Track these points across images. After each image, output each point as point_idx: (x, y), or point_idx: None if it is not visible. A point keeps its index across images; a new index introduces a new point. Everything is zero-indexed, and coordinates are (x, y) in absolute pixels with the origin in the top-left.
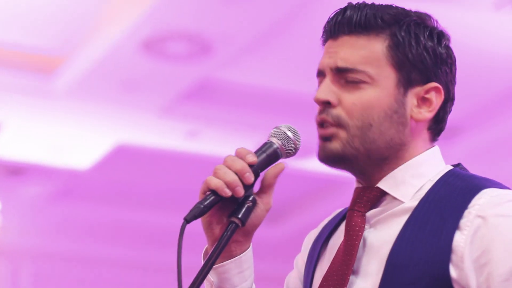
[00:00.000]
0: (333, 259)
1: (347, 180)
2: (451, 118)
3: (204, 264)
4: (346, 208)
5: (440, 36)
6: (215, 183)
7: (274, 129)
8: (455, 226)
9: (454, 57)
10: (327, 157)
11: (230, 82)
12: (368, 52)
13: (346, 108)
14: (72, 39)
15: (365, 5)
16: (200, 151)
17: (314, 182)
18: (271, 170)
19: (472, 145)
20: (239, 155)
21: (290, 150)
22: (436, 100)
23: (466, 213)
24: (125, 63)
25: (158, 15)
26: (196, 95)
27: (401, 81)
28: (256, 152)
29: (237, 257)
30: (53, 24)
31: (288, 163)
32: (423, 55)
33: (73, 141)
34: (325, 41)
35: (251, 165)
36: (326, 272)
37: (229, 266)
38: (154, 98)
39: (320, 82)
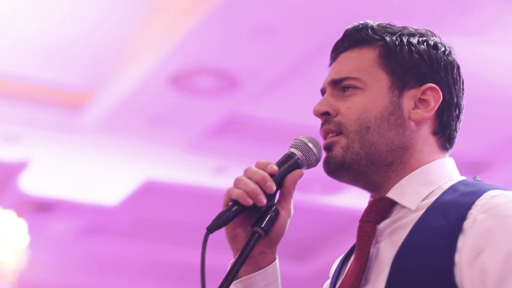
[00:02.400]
0: (347, 271)
1: None
2: (480, 153)
3: (228, 274)
4: None
5: (437, 44)
6: (237, 192)
7: (295, 140)
8: (459, 229)
9: (457, 66)
10: (330, 167)
11: (257, 117)
12: (360, 60)
13: (343, 114)
14: (100, 75)
15: (360, 23)
16: (228, 187)
17: (341, 218)
18: (289, 177)
19: (502, 179)
20: (260, 166)
21: (311, 161)
22: (434, 99)
23: (468, 214)
24: (153, 98)
25: (186, 51)
26: (223, 130)
27: (394, 84)
28: (277, 163)
29: (264, 269)
30: (81, 61)
31: (316, 200)
32: (416, 59)
33: (101, 177)
34: (329, 66)
35: (272, 175)
36: (340, 283)
37: (255, 279)
38: (181, 133)
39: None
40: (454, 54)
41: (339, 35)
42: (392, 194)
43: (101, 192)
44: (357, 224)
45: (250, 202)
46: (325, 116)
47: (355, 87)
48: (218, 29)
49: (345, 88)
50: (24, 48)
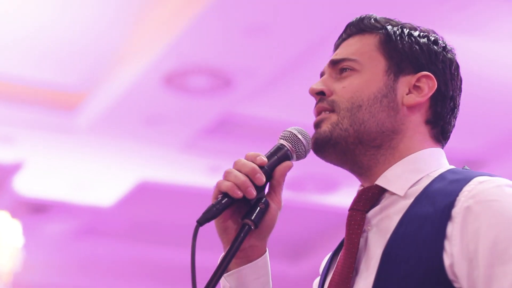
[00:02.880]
0: (337, 263)
1: None
2: (475, 151)
3: (218, 267)
4: None
5: (437, 40)
6: (226, 185)
7: (284, 131)
8: (447, 216)
9: (456, 64)
10: (317, 144)
11: (252, 116)
12: (360, 44)
13: (337, 93)
14: (94, 76)
15: (365, 14)
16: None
17: (335, 217)
18: (278, 168)
19: None
20: (249, 158)
21: (301, 152)
22: (428, 87)
23: (456, 201)
24: (147, 98)
25: (179, 50)
26: (218, 129)
27: (390, 68)
28: (266, 155)
29: (254, 261)
30: (74, 61)
31: (310, 199)
32: (415, 48)
33: (96, 177)
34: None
35: (261, 167)
36: (332, 275)
37: (246, 272)
38: (176, 133)
39: None
40: (455, 54)
41: (333, 35)
42: (380, 181)
43: (96, 192)
44: None
45: (240, 194)
46: (320, 95)
47: (353, 69)
48: (211, 29)
49: (342, 70)
50: (18, 49)
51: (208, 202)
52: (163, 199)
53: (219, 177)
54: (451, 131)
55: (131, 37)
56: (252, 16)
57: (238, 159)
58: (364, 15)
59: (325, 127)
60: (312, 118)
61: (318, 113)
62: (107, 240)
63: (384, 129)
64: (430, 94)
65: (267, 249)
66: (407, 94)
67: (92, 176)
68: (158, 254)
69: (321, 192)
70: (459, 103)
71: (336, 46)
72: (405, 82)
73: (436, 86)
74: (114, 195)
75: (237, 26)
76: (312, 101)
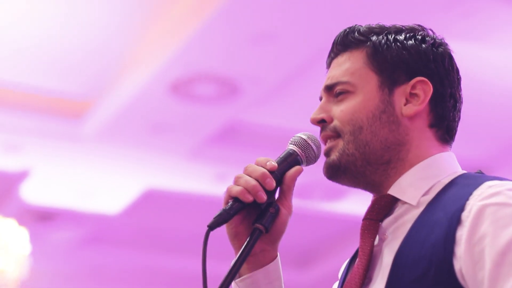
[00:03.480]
0: (352, 271)
1: None
2: (481, 158)
3: (229, 272)
4: None
5: (424, 37)
6: (237, 190)
7: (294, 137)
8: (457, 220)
9: (449, 56)
10: (328, 172)
11: (258, 124)
12: (349, 64)
13: (337, 118)
14: (100, 84)
15: (348, 28)
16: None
17: (342, 224)
18: (288, 173)
19: None
20: (259, 163)
21: (311, 158)
22: (424, 93)
23: (466, 205)
24: (154, 106)
25: (186, 58)
26: (224, 137)
27: (383, 83)
28: (276, 160)
29: (265, 266)
30: (81, 69)
31: (317, 206)
32: (404, 54)
33: (102, 185)
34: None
35: (272, 172)
36: (345, 283)
37: (257, 277)
38: (182, 141)
39: None
40: (446, 44)
41: None
42: (392, 191)
43: (103, 200)
44: (358, 230)
45: (250, 198)
46: (321, 123)
47: (347, 91)
48: (218, 36)
49: (338, 94)
50: (25, 57)
51: (214, 209)
52: (169, 207)
53: (225, 185)
54: (457, 126)
55: (137, 45)
56: (258, 23)
57: (248, 164)
58: (348, 29)
59: (334, 156)
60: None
61: (324, 141)
62: (113, 247)
63: (389, 144)
64: (428, 99)
65: (278, 253)
66: (405, 105)
67: (99, 184)
68: (164, 262)
69: (328, 199)
70: (460, 95)
71: (328, 65)
72: (400, 93)
73: (432, 89)
74: (121, 203)
75: (243, 33)
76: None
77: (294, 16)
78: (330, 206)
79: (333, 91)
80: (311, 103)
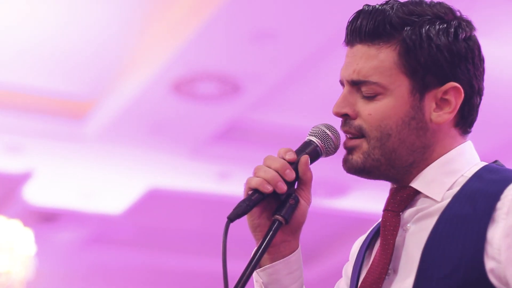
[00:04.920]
0: (372, 261)
1: (379, 218)
2: (485, 152)
3: (250, 262)
4: None
5: (457, 30)
6: (256, 180)
7: (313, 128)
8: (488, 218)
9: (478, 47)
10: (350, 170)
11: (260, 122)
12: (379, 62)
13: (364, 119)
14: (102, 83)
15: (376, 9)
16: (232, 193)
17: (346, 221)
18: (299, 165)
19: None
20: (280, 154)
21: (330, 149)
22: (456, 100)
23: (499, 204)
24: (155, 106)
25: (187, 57)
26: (226, 136)
27: (415, 87)
28: (296, 151)
29: (287, 257)
30: (82, 70)
31: (320, 203)
32: (437, 57)
33: (105, 186)
34: (345, 46)
35: (291, 163)
36: (366, 274)
37: (278, 267)
38: (185, 140)
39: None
40: (474, 34)
41: (340, 39)
42: (416, 184)
43: (106, 200)
44: (362, 227)
45: (269, 189)
46: (344, 117)
47: (375, 93)
48: (219, 35)
49: (364, 90)
50: (26, 58)
51: (217, 208)
52: (172, 206)
53: (228, 184)
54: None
55: (138, 45)
56: (259, 22)
57: (268, 155)
58: (379, 16)
59: (357, 157)
60: (320, 121)
61: (346, 136)
62: (117, 247)
63: (415, 148)
64: (459, 106)
65: (299, 244)
66: (434, 111)
67: (101, 184)
68: (168, 261)
69: (332, 196)
70: (483, 87)
71: (349, 42)
72: (431, 98)
73: (463, 95)
74: (123, 203)
75: (245, 32)
76: (321, 105)
77: (294, 14)
78: (334, 203)
79: (359, 87)
80: (313, 100)
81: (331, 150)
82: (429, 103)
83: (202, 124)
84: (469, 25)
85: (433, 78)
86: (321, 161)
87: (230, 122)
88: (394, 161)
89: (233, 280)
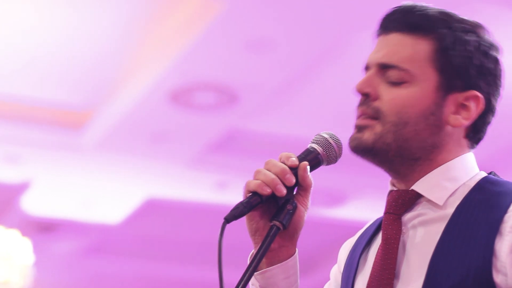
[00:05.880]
0: (374, 265)
1: None
2: (482, 160)
3: (248, 266)
4: (381, 218)
5: (489, 48)
6: (255, 183)
7: (316, 135)
8: (496, 230)
9: (501, 70)
10: (357, 147)
11: (258, 131)
12: (413, 51)
13: (385, 102)
14: (99, 94)
15: (417, 5)
16: (230, 202)
17: (344, 230)
18: (298, 171)
19: None
20: (281, 158)
21: (332, 157)
22: (475, 109)
23: (506, 217)
24: (153, 115)
25: (184, 67)
26: (224, 145)
27: (442, 85)
28: (297, 157)
29: (284, 262)
30: (80, 80)
31: (318, 212)
32: (468, 63)
33: (103, 195)
34: (377, 37)
35: (292, 169)
36: (369, 279)
37: (276, 271)
38: (182, 150)
39: (365, 74)
40: (500, 56)
41: (338, 49)
42: (418, 188)
43: (104, 210)
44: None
45: (268, 191)
46: (364, 96)
47: (402, 80)
48: (216, 44)
49: (392, 74)
50: (23, 69)
51: (215, 218)
52: (170, 216)
53: (226, 193)
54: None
55: (136, 55)
56: (256, 31)
57: (269, 159)
58: (419, 8)
59: (368, 136)
60: (318, 130)
61: (360, 114)
62: (115, 257)
63: (425, 144)
64: (477, 115)
65: (296, 249)
66: (453, 113)
67: (100, 193)
68: (166, 271)
69: (329, 205)
70: (496, 109)
71: (383, 31)
72: (453, 100)
73: (483, 107)
74: (122, 213)
75: (242, 41)
76: (318, 115)
77: (292, 24)
78: (332, 212)
79: (387, 71)
80: (311, 109)
81: (332, 159)
82: (450, 104)
83: (199, 133)
84: (498, 49)
85: (460, 82)
86: (320, 169)
87: (227, 131)
88: (403, 151)
89: (229, 286)
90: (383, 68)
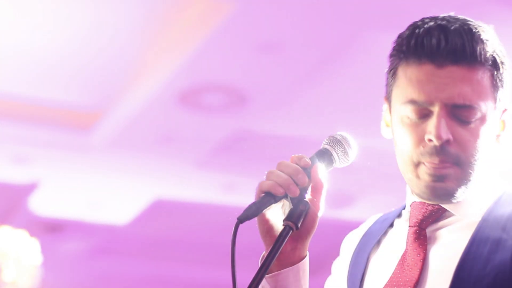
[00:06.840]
0: (394, 273)
1: None
2: None
3: (260, 268)
4: (387, 214)
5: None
6: (268, 183)
7: (329, 136)
8: None
9: None
10: (441, 198)
11: (267, 133)
12: (480, 87)
13: (461, 145)
14: (108, 94)
15: (460, 28)
16: (238, 204)
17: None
18: (314, 171)
19: None
20: (293, 159)
21: (345, 159)
22: (506, 121)
23: None
24: (162, 116)
25: (194, 68)
26: (233, 146)
27: (498, 109)
28: (310, 158)
29: (296, 265)
30: (89, 80)
31: (325, 213)
32: (505, 83)
33: (111, 196)
34: (418, 61)
35: (305, 169)
36: (386, 285)
37: (287, 274)
38: (191, 151)
39: (414, 111)
40: None
41: (346, 50)
42: (451, 207)
43: (112, 211)
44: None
45: (281, 191)
46: (442, 142)
47: (475, 115)
48: (225, 46)
49: (464, 114)
50: (32, 69)
51: (223, 219)
52: (178, 217)
53: (234, 195)
54: None
55: (145, 55)
56: (265, 32)
57: (281, 161)
58: (473, 38)
59: (452, 184)
60: (327, 132)
61: (442, 164)
62: (122, 258)
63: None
64: (508, 128)
65: (307, 252)
66: (499, 132)
67: (107, 194)
68: (174, 272)
69: (336, 207)
70: None
71: (437, 64)
72: (499, 116)
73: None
74: (130, 213)
75: (251, 43)
76: (327, 117)
77: (301, 26)
78: (338, 213)
79: (458, 111)
80: (320, 111)
81: (345, 161)
82: (498, 121)
83: (208, 134)
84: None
85: (503, 97)
86: (330, 174)
87: (236, 132)
88: (470, 180)
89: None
90: (455, 108)
